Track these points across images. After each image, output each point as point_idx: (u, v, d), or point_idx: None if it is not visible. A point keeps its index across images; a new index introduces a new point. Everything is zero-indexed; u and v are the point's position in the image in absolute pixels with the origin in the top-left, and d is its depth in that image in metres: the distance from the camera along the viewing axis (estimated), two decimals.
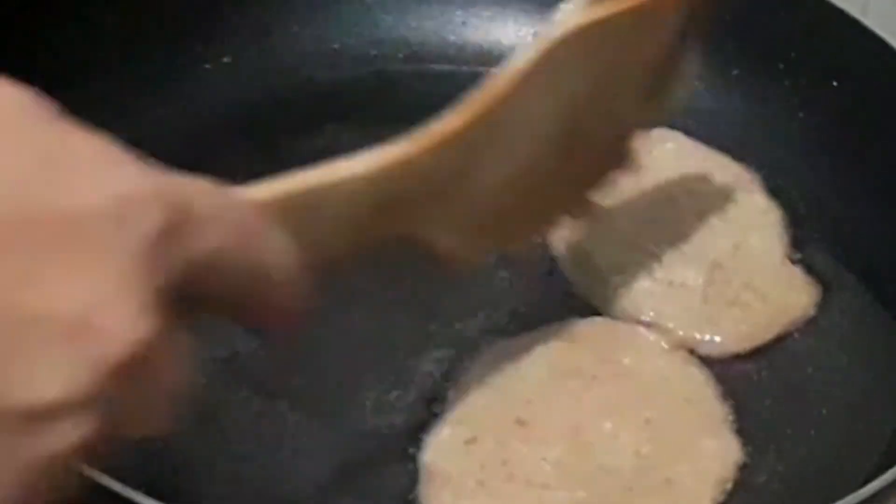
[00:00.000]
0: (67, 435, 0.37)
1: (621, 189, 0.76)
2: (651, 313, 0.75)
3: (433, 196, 0.54)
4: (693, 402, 0.70)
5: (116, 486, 0.57)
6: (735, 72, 0.88)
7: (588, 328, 0.74)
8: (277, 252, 0.45)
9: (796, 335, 0.76)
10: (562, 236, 0.77)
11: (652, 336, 0.73)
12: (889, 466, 0.63)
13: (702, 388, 0.71)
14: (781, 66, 0.86)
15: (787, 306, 0.77)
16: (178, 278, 0.40)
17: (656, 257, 0.77)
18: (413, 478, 0.67)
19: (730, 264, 0.78)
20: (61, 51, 0.79)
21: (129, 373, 0.38)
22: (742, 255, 0.79)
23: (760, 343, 0.75)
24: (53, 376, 0.37)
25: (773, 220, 0.81)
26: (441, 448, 0.67)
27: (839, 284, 0.78)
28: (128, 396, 0.39)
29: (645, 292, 0.76)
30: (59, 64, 0.78)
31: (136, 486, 0.58)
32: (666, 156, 0.83)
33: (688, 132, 0.85)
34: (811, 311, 0.77)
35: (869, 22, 0.83)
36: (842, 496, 0.62)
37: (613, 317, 0.75)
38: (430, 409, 0.70)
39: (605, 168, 0.66)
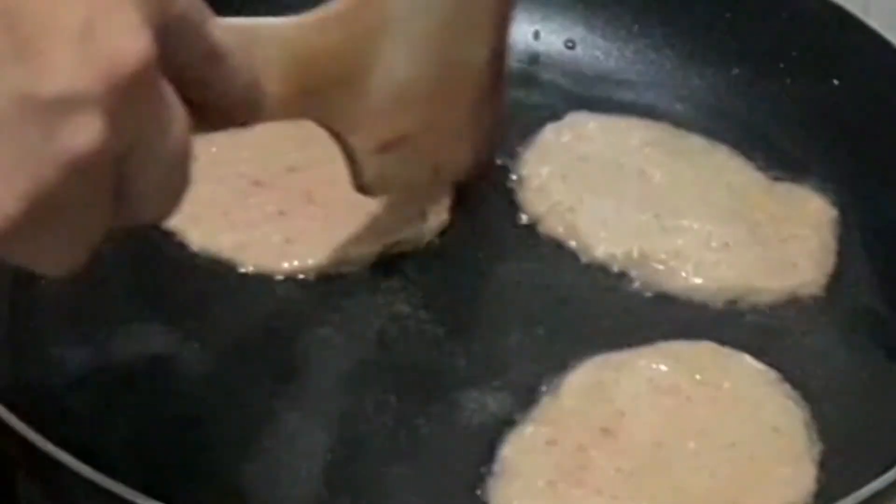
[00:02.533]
0: (79, 132, 0.43)
1: (586, 183, 0.79)
2: (740, 280, 0.76)
3: (341, 81, 0.61)
4: (781, 433, 0.70)
5: (116, 487, 0.58)
6: (735, 70, 0.88)
7: (695, 351, 0.73)
8: (224, 44, 0.51)
9: (796, 334, 0.76)
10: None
11: (759, 366, 0.73)
12: (889, 467, 0.63)
13: (794, 421, 0.71)
14: (782, 64, 0.86)
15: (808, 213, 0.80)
16: (157, 27, 0.45)
17: (689, 230, 0.78)
18: (489, 471, 0.67)
19: (743, 208, 0.79)
20: None
21: (132, 87, 0.43)
22: (741, 196, 0.80)
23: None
24: (63, 70, 0.42)
25: (725, 151, 0.82)
26: (520, 444, 0.68)
27: None
28: (132, 119, 0.44)
29: (718, 265, 0.76)
30: None
31: (136, 487, 0.58)
32: (597, 135, 0.83)
33: (687, 131, 0.85)
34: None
35: (870, 21, 0.83)
36: (842, 496, 0.62)
37: (709, 299, 0.76)
38: (524, 407, 0.70)
39: (486, 120, 0.73)
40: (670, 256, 0.77)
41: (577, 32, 0.90)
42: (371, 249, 0.76)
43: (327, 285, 0.75)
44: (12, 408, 0.61)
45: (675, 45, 0.89)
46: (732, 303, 0.76)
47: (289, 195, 0.78)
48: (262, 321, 0.74)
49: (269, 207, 0.77)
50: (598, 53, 0.90)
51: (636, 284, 0.76)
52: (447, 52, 0.67)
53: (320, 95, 0.61)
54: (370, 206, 0.77)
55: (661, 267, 0.76)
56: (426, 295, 0.76)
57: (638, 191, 0.80)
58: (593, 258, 0.77)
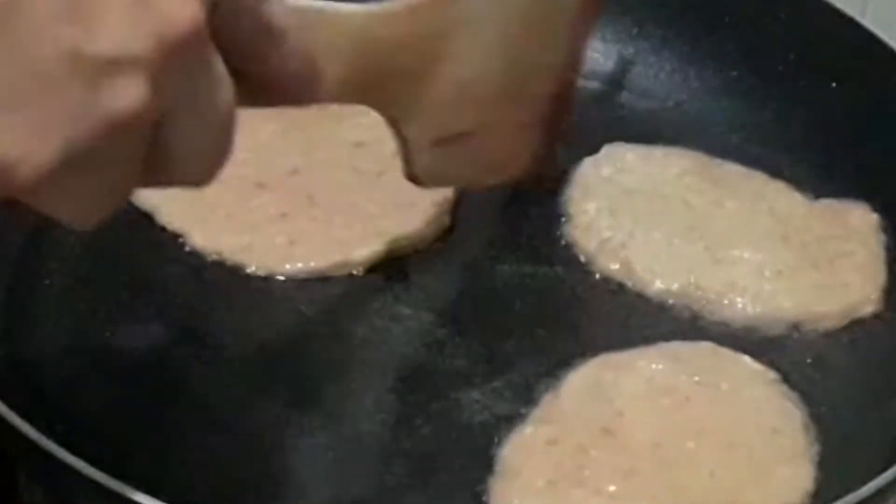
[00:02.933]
0: (123, 94, 0.44)
1: (634, 217, 0.79)
2: (798, 307, 0.76)
3: (405, 73, 0.61)
4: (780, 433, 0.70)
5: (119, 486, 0.58)
6: (734, 73, 0.88)
7: (693, 351, 0.74)
8: (282, 22, 0.51)
9: (796, 335, 0.76)
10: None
11: (757, 366, 0.73)
12: (886, 467, 0.64)
13: (792, 422, 0.71)
14: (781, 67, 0.86)
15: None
16: None
17: (741, 260, 0.77)
18: (489, 471, 0.67)
19: (790, 232, 0.79)
20: None
21: (180, 53, 0.44)
22: (785, 220, 0.80)
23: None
24: (116, 32, 0.43)
25: (762, 176, 0.82)
26: (520, 444, 0.68)
27: None
28: (176, 85, 0.45)
29: (775, 294, 0.76)
30: None
31: (139, 486, 0.58)
32: (636, 166, 0.83)
33: (686, 134, 0.86)
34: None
35: (867, 23, 0.83)
36: (839, 496, 0.62)
37: (769, 328, 0.76)
38: (524, 407, 0.70)
39: (549, 126, 0.71)
40: (727, 288, 0.76)
41: None
42: (373, 251, 0.77)
43: (329, 287, 0.75)
44: (14, 407, 0.61)
45: (673, 48, 0.89)
46: (794, 329, 0.76)
47: (291, 198, 0.78)
48: (263, 322, 0.74)
49: (271, 210, 0.78)
50: (597, 56, 0.90)
51: (695, 314, 0.76)
52: (520, 55, 0.66)
53: (381, 84, 0.60)
54: (372, 208, 0.77)
55: (719, 300, 0.76)
56: (427, 296, 0.76)
57: (685, 221, 0.80)
58: (649, 293, 0.77)
